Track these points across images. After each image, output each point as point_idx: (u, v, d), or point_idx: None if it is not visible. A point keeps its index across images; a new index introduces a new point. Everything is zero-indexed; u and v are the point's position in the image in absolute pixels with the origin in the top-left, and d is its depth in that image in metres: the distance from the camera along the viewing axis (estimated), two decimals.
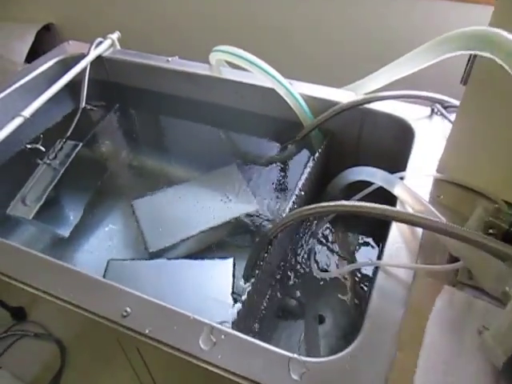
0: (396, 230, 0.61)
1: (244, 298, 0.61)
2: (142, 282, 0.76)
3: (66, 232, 0.86)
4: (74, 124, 0.91)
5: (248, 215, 0.87)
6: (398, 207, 0.64)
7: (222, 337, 0.50)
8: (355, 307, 0.77)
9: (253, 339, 0.50)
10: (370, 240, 0.87)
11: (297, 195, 0.74)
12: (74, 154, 0.91)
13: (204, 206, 0.88)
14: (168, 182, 0.94)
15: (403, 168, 0.71)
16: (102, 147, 1.05)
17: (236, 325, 0.58)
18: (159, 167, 1.04)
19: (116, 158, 1.06)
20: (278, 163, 0.95)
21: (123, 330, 0.51)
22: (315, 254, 0.82)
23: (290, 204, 0.72)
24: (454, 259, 0.56)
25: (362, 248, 0.86)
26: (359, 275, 0.80)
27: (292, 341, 0.72)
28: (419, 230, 0.60)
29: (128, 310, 0.52)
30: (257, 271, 0.64)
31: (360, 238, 0.87)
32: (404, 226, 0.61)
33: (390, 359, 0.47)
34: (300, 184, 0.76)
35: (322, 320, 0.76)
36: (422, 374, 0.44)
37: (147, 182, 0.99)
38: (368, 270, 0.81)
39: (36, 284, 0.56)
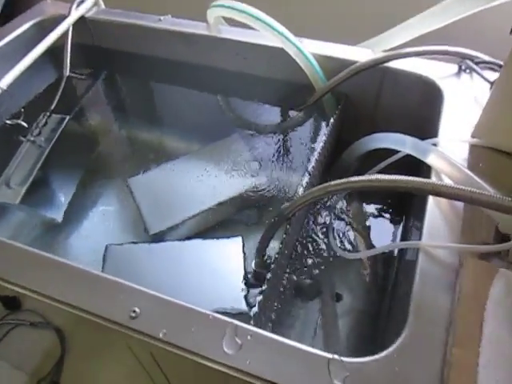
0: (434, 205, 0.54)
1: (265, 287, 0.54)
2: (145, 268, 0.71)
3: (58, 215, 0.80)
4: (58, 95, 0.86)
5: (254, 189, 0.81)
6: (434, 179, 0.57)
7: (248, 337, 0.44)
8: (375, 284, 0.72)
9: (284, 339, 0.43)
10: (391, 211, 0.81)
11: (314, 166, 0.67)
12: (60, 129, 0.86)
13: (206, 182, 0.82)
14: (166, 156, 0.88)
15: (430, 133, 0.64)
16: (90, 120, 0.98)
17: (258, 318, 0.52)
18: (155, 140, 0.98)
19: (107, 131, 0.99)
20: (287, 131, 0.88)
21: (133, 333, 0.45)
22: (333, 230, 0.76)
23: (306, 177, 0.66)
24: (501, 236, 0.50)
25: (383, 221, 0.80)
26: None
27: (309, 322, 0.68)
28: (460, 204, 0.54)
29: (137, 310, 0.46)
30: (276, 255, 0.58)
31: (380, 209, 0.81)
32: (442, 200, 0.54)
33: (443, 357, 0.41)
34: (316, 154, 0.69)
35: (339, 298, 0.72)
36: (487, 373, 0.38)
37: (143, 156, 0.92)
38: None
39: (27, 284, 0.49)
